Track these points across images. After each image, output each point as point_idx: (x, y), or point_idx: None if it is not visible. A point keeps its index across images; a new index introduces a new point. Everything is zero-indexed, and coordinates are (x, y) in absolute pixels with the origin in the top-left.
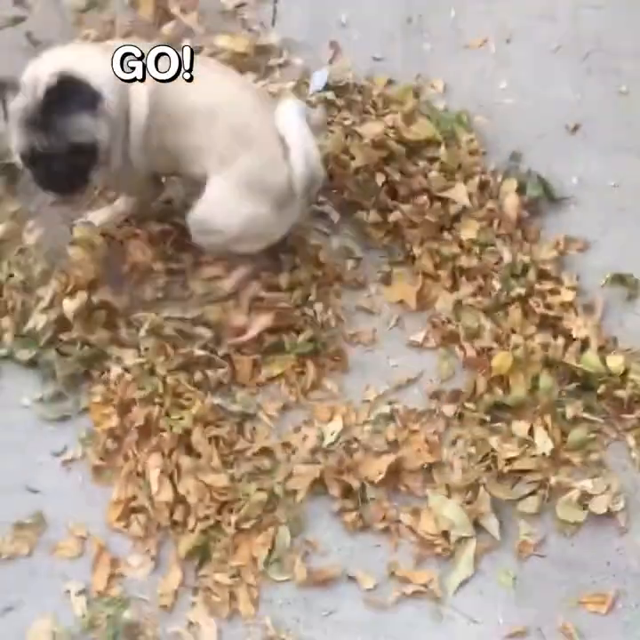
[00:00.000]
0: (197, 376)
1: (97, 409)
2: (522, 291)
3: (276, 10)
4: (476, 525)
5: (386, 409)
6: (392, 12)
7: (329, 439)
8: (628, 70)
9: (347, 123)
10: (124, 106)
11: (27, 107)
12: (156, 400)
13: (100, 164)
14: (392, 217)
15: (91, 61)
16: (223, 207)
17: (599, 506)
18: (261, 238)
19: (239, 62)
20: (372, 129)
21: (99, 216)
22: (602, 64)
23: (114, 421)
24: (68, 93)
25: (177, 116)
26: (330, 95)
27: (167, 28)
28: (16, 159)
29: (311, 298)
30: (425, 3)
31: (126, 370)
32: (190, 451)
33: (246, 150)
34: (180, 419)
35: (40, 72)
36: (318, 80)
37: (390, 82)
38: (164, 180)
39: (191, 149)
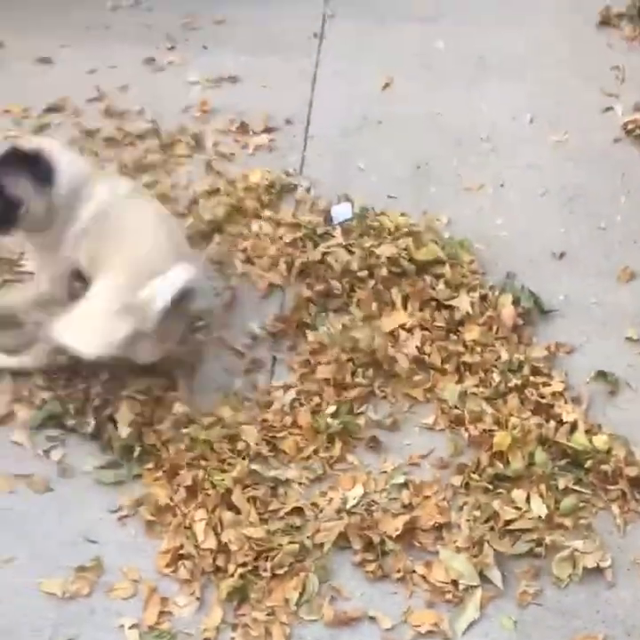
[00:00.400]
0: (240, 445)
1: (149, 474)
2: (518, 382)
3: (305, 158)
4: (482, 576)
5: (401, 479)
6: (403, 161)
7: (351, 502)
8: (606, 211)
9: (365, 245)
10: (74, 201)
11: None
12: (202, 463)
13: (21, 222)
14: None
15: (74, 161)
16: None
17: (589, 562)
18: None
19: (269, 195)
20: (387, 250)
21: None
22: (583, 206)
23: (163, 484)
24: (31, 163)
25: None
26: (353, 224)
27: None
28: None
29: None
30: (431, 153)
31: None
32: (231, 507)
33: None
34: (222, 480)
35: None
36: (340, 213)
37: (402, 215)
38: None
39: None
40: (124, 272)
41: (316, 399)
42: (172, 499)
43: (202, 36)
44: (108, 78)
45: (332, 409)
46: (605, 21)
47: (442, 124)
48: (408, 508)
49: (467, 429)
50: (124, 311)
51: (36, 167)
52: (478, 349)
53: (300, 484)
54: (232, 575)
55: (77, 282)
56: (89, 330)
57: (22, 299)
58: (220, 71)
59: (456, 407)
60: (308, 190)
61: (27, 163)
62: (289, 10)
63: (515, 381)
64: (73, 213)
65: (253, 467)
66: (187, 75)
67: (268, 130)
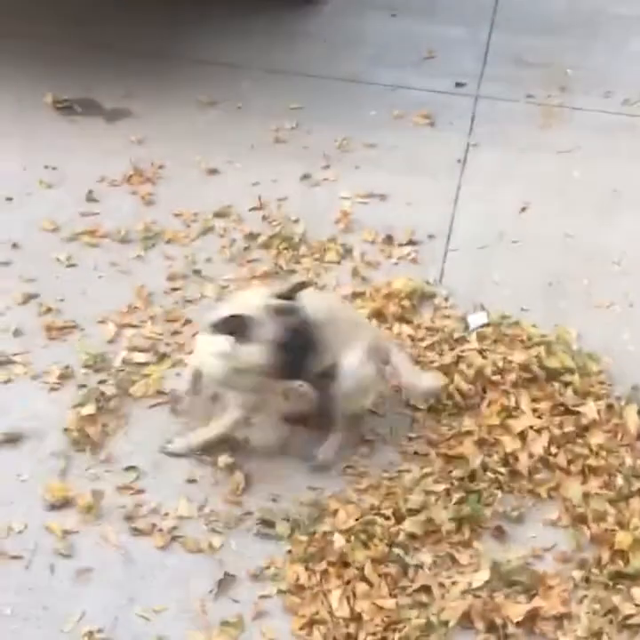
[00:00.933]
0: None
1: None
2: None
3: (444, 270)
4: None
5: (525, 569)
6: (535, 277)
7: (477, 583)
8: None
9: (499, 351)
10: None
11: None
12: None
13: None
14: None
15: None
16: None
17: None
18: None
19: (411, 301)
20: (520, 356)
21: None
22: None
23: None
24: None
25: None
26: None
27: None
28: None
29: None
30: (563, 271)
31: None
32: (365, 580)
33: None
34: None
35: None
36: (475, 320)
37: (534, 326)
38: None
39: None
40: None
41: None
42: (310, 577)
43: (354, 157)
44: (269, 191)
45: (459, 496)
46: None
47: (574, 246)
48: (531, 596)
49: (589, 527)
50: None
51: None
52: (603, 454)
53: (428, 565)
54: None
55: None
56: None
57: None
58: (370, 188)
59: (579, 506)
60: (446, 299)
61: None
62: (435, 137)
63: (637, 485)
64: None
65: (393, 549)
66: (339, 191)
67: (411, 242)
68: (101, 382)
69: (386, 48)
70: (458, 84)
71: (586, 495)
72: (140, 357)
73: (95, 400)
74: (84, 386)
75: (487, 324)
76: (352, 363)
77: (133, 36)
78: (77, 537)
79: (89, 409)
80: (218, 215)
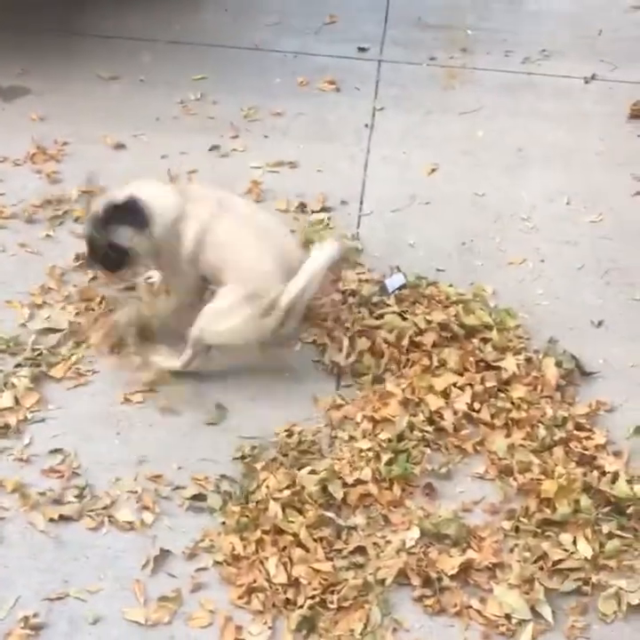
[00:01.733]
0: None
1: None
2: (562, 436)
3: (359, 234)
4: (533, 611)
5: (456, 523)
6: (449, 238)
7: (409, 543)
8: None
9: (418, 312)
10: (174, 231)
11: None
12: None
13: (133, 264)
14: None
15: (163, 198)
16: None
17: (633, 600)
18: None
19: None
20: (439, 315)
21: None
22: (618, 278)
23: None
24: (129, 212)
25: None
26: (406, 293)
27: None
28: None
29: None
30: (475, 231)
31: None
32: (300, 546)
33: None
34: (291, 522)
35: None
36: (393, 283)
37: (450, 286)
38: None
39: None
40: (239, 283)
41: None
42: (245, 547)
43: (262, 126)
44: (178, 163)
45: (388, 457)
46: (636, 114)
47: (484, 204)
48: (463, 549)
49: (515, 479)
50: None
51: (134, 214)
52: (525, 406)
53: (362, 527)
54: (301, 607)
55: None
56: (221, 324)
57: (164, 309)
58: (279, 157)
59: (505, 458)
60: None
61: (126, 211)
62: (342, 103)
63: (559, 435)
64: (178, 239)
65: (326, 513)
66: (249, 160)
67: (324, 209)
68: (17, 366)
69: (287, 15)
70: (360, 49)
71: (510, 447)
72: (56, 338)
73: (12, 385)
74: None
75: (405, 286)
76: (216, 306)
77: (27, 12)
78: (4, 523)
79: (7, 398)
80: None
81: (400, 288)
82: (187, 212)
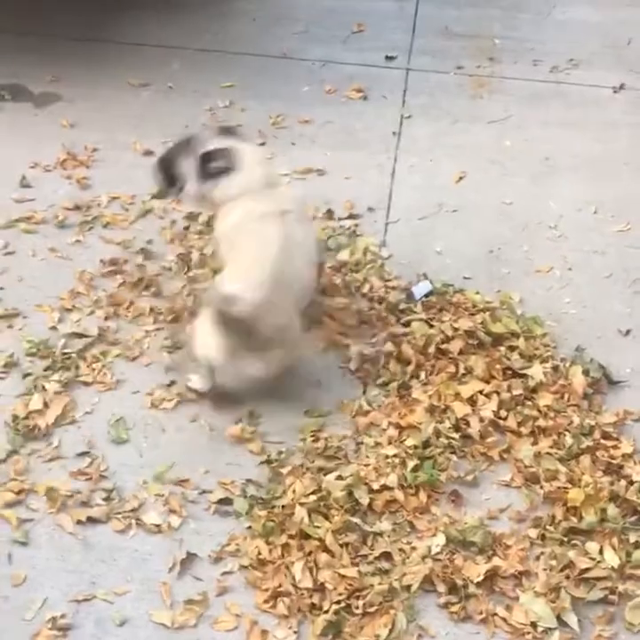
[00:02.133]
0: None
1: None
2: (589, 444)
3: (386, 241)
4: (559, 620)
5: (482, 531)
6: (477, 246)
7: (435, 549)
8: None
9: (445, 319)
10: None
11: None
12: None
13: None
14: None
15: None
16: None
17: None
18: None
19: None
20: (466, 322)
21: None
22: None
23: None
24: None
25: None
26: (433, 300)
27: None
28: None
29: None
30: (502, 239)
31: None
32: (326, 551)
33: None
34: (317, 527)
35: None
36: (420, 290)
37: (477, 293)
38: None
39: None
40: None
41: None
42: (271, 551)
43: (290, 133)
44: None
45: (414, 463)
46: None
47: (511, 213)
48: (489, 557)
49: (542, 487)
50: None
51: (228, 157)
52: (551, 414)
53: (387, 532)
54: (326, 612)
55: None
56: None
57: None
58: (307, 164)
59: (531, 466)
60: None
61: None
62: (369, 111)
63: (586, 443)
64: (218, 213)
65: (351, 519)
66: (276, 167)
67: (351, 216)
68: (47, 370)
69: (315, 24)
70: (388, 57)
71: (537, 455)
72: (85, 342)
73: (42, 388)
74: (29, 374)
75: (431, 293)
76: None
77: (59, 20)
78: (33, 525)
79: (37, 401)
80: (156, 197)
81: (427, 295)
82: (257, 193)
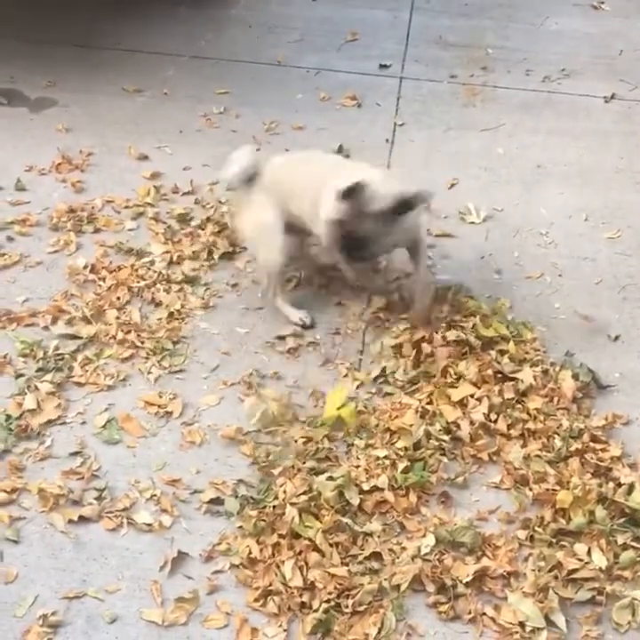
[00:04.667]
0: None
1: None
2: (578, 447)
3: None
4: (547, 620)
5: (471, 531)
6: (469, 252)
7: (425, 550)
8: None
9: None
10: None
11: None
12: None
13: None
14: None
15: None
16: None
17: None
18: None
19: None
20: (453, 333)
21: None
22: (635, 294)
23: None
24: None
25: None
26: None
27: None
28: None
29: None
30: (494, 244)
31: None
32: (316, 550)
33: None
34: (308, 527)
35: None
36: None
37: (472, 298)
38: None
39: None
40: None
41: (394, 457)
42: (262, 551)
43: (284, 140)
44: (200, 175)
45: (404, 465)
46: None
47: (503, 219)
48: (478, 557)
49: (531, 489)
50: None
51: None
52: (541, 417)
53: (377, 533)
54: (316, 610)
55: None
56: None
57: None
58: None
59: (520, 468)
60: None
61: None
62: (363, 118)
63: (575, 446)
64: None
65: (342, 519)
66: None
67: None
68: (39, 370)
69: (309, 32)
70: (382, 66)
71: (526, 458)
72: (77, 343)
73: (35, 388)
74: (22, 375)
75: None
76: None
77: (56, 27)
78: (25, 523)
79: (29, 401)
80: (150, 200)
81: None
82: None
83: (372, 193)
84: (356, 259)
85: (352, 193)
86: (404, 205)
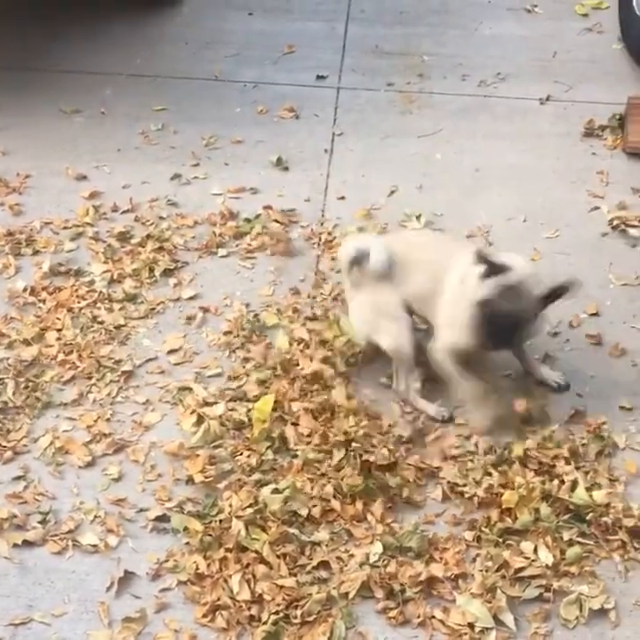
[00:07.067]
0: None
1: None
2: (520, 450)
3: (320, 258)
4: (496, 619)
5: (418, 536)
6: None
7: (373, 558)
8: (596, 296)
9: None
10: None
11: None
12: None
13: None
14: None
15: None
16: None
17: (594, 605)
18: None
19: None
20: None
21: None
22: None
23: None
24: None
25: None
26: None
27: None
28: None
29: None
30: None
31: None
32: (263, 563)
33: None
34: (255, 539)
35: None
36: None
37: None
38: None
39: None
40: None
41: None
42: (209, 566)
43: (223, 154)
44: (140, 193)
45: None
46: (589, 133)
47: (443, 224)
48: (426, 561)
49: (475, 494)
50: None
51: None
52: None
53: (325, 542)
54: (265, 623)
55: None
56: None
57: None
58: (240, 183)
59: (460, 485)
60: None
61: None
62: (301, 129)
63: (517, 450)
64: None
65: (289, 530)
66: (210, 188)
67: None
68: None
69: (246, 47)
70: (319, 77)
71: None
72: (18, 367)
73: None
74: None
75: None
76: None
77: None
78: None
79: None
80: (89, 220)
81: None
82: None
83: (527, 277)
84: (498, 344)
85: (499, 271)
86: (559, 292)
